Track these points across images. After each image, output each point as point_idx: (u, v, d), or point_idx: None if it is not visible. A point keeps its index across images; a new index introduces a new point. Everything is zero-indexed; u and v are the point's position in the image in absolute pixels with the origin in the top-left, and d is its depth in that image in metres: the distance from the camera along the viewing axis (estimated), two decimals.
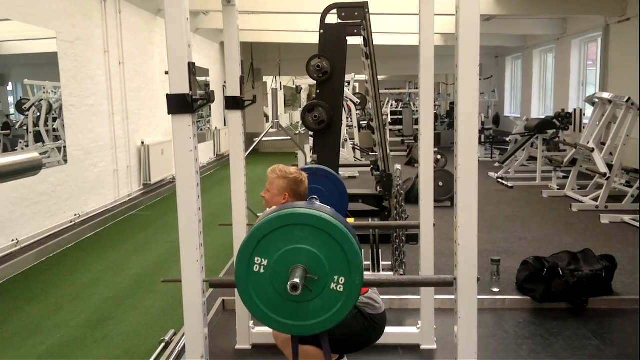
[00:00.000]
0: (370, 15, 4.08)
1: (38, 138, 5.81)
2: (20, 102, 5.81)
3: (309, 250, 1.66)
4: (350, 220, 2.92)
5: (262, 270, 1.67)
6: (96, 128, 6.85)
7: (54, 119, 6.01)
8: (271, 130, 6.54)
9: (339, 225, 1.66)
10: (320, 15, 4.06)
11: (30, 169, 1.36)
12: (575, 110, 9.44)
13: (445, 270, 4.15)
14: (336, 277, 1.65)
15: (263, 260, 1.67)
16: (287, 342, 2.30)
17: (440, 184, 6.69)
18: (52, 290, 4.32)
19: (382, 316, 2.47)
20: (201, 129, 11.81)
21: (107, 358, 3.19)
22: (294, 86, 15.14)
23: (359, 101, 11.04)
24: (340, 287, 1.66)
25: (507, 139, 11.73)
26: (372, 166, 5.17)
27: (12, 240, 5.06)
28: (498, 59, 16.99)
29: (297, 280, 1.57)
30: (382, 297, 3.67)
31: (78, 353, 3.26)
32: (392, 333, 3.28)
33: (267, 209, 2.54)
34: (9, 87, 5.88)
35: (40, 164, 1.38)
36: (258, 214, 5.92)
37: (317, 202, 1.88)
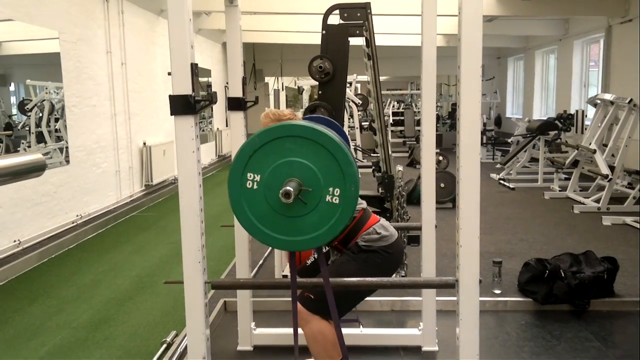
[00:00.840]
0: (373, 16, 4.07)
1: (40, 139, 5.82)
2: (22, 103, 5.82)
3: (301, 162, 1.61)
4: None
5: (255, 187, 1.63)
6: (98, 129, 6.86)
7: (56, 120, 6.01)
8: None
9: (331, 135, 1.62)
10: (322, 16, 4.06)
11: (33, 171, 1.35)
12: (577, 111, 9.44)
13: (447, 271, 4.14)
14: (331, 189, 1.61)
15: (255, 175, 1.63)
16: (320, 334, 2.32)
17: (442, 185, 6.69)
18: (54, 291, 4.32)
19: (396, 243, 2.47)
20: (203, 130, 11.81)
21: (109, 359, 3.19)
22: (296, 87, 15.14)
23: (360, 102, 11.04)
24: (335, 199, 1.61)
25: (509, 140, 11.73)
26: (373, 167, 5.15)
27: (14, 241, 5.06)
28: (500, 59, 16.98)
29: (289, 187, 1.54)
30: (383, 298, 3.70)
31: (80, 354, 3.26)
32: (394, 335, 3.29)
33: None
34: (12, 88, 5.89)
35: (44, 166, 1.38)
36: None
37: None
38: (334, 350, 2.33)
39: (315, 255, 2.67)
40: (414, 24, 9.68)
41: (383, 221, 2.49)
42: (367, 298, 3.64)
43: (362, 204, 2.51)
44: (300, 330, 2.27)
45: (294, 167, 1.61)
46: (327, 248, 2.69)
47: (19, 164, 1.31)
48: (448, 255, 4.52)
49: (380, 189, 4.42)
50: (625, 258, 4.49)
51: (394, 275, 4.07)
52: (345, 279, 2.18)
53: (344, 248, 2.44)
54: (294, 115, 2.62)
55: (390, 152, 4.61)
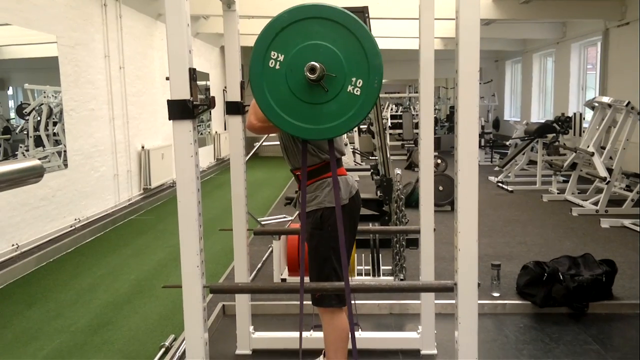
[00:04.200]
0: (371, 20, 4.08)
1: (38, 142, 5.81)
2: (20, 107, 5.82)
3: (328, 47, 1.55)
4: None
5: (277, 66, 1.58)
6: (96, 132, 6.85)
7: (55, 124, 6.01)
8: (271, 134, 6.54)
9: (361, 23, 1.56)
10: None
11: (31, 177, 1.35)
12: (575, 114, 9.46)
13: (446, 274, 4.14)
14: (354, 80, 1.56)
15: (279, 55, 1.57)
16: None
17: (440, 188, 6.70)
18: (52, 295, 4.32)
19: (353, 198, 2.48)
20: (201, 133, 11.81)
21: None
22: None
23: None
24: (357, 90, 1.57)
25: (507, 143, 11.75)
26: (372, 170, 5.16)
27: (13, 245, 5.06)
28: (498, 63, 17.02)
29: (315, 62, 1.50)
30: (382, 301, 3.70)
31: (78, 358, 3.25)
32: (393, 338, 3.29)
33: None
34: (10, 92, 5.88)
35: (42, 172, 1.37)
36: (259, 219, 5.93)
37: None
38: (347, 338, 2.44)
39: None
40: (412, 27, 9.69)
41: (348, 177, 2.51)
42: (366, 301, 3.66)
43: (343, 152, 2.57)
44: (304, 333, 2.28)
45: (320, 50, 1.56)
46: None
47: (17, 171, 1.31)
48: (447, 259, 4.52)
49: (378, 192, 4.43)
50: (623, 261, 4.50)
51: (393, 277, 4.08)
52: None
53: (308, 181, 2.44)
54: None
55: (388, 155, 4.62)
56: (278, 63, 1.58)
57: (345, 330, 2.43)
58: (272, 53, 1.57)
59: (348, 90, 1.57)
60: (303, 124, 1.61)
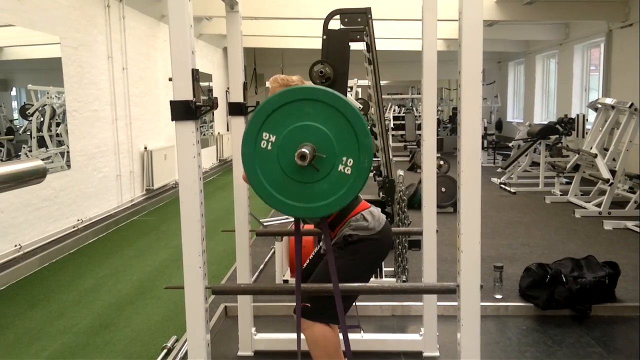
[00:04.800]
0: (373, 21, 4.08)
1: (41, 143, 5.83)
2: (24, 108, 5.83)
3: (318, 128, 1.59)
4: None
5: (269, 147, 1.61)
6: (99, 133, 6.87)
7: (58, 124, 6.02)
8: None
9: (350, 103, 1.60)
10: (323, 21, 4.07)
11: (34, 177, 1.35)
12: (578, 115, 9.45)
13: (448, 276, 4.14)
14: (344, 159, 1.60)
15: (271, 136, 1.61)
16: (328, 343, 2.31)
17: (443, 189, 6.69)
18: (55, 296, 4.32)
19: (384, 228, 2.42)
20: (204, 134, 11.83)
21: None
22: None
23: (361, 106, 11.03)
24: (348, 170, 1.60)
25: (510, 145, 11.72)
26: (374, 172, 5.16)
27: (15, 246, 5.07)
28: (501, 64, 17.00)
29: (305, 150, 1.53)
30: (384, 303, 3.70)
31: (80, 359, 3.25)
32: (395, 340, 3.28)
33: None
34: (13, 92, 5.90)
35: (45, 172, 1.37)
36: (261, 220, 5.93)
37: None
38: (335, 354, 2.32)
39: (311, 257, 2.66)
40: (415, 28, 9.69)
41: (372, 208, 2.47)
42: (368, 303, 3.66)
43: None
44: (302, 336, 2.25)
45: (311, 131, 1.60)
46: (321, 247, 2.66)
47: (19, 171, 1.31)
48: (449, 260, 4.51)
49: (381, 193, 4.42)
50: (626, 263, 4.48)
51: (395, 279, 4.08)
52: (351, 284, 2.18)
53: (332, 231, 2.40)
54: (302, 81, 2.59)
55: (391, 156, 4.61)
56: (270, 144, 1.62)
57: (328, 340, 2.31)
58: (264, 134, 1.62)
59: (339, 169, 1.61)
60: (295, 202, 1.64)
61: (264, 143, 1.62)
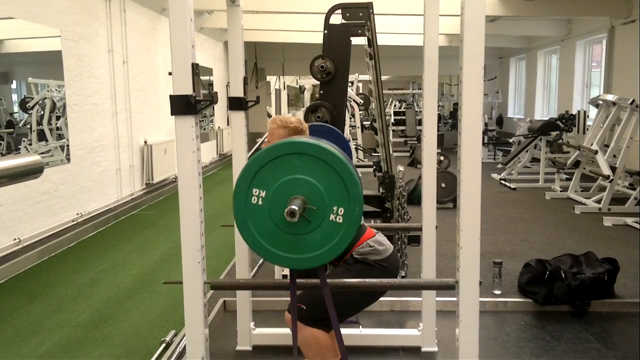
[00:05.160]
0: (375, 16, 4.07)
1: (41, 136, 5.82)
2: (24, 101, 5.82)
3: (307, 180, 1.62)
4: None
5: (260, 202, 1.64)
6: (99, 127, 6.86)
7: (58, 118, 6.01)
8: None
9: (337, 154, 1.62)
10: (324, 16, 4.05)
11: (31, 173, 1.34)
12: (579, 112, 9.44)
13: (447, 272, 4.14)
14: (335, 208, 1.62)
15: (261, 191, 1.63)
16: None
17: (443, 185, 6.68)
18: (54, 290, 4.32)
19: (391, 257, 2.43)
20: (204, 129, 11.82)
21: (108, 358, 3.19)
22: (298, 86, 15.15)
23: (362, 101, 11.04)
24: (339, 219, 1.62)
25: (510, 141, 11.71)
26: (374, 167, 5.15)
27: (14, 239, 5.06)
28: (502, 59, 16.97)
29: (294, 206, 1.55)
30: (383, 298, 3.69)
31: (79, 353, 3.26)
32: (393, 335, 3.29)
33: None
34: (13, 85, 5.89)
35: (42, 167, 1.37)
36: None
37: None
38: (328, 354, 2.32)
39: None
40: (416, 23, 9.67)
41: (378, 235, 2.48)
42: None
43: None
44: None
45: (300, 184, 1.62)
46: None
47: (16, 166, 1.31)
48: (448, 255, 4.51)
49: (381, 188, 4.41)
50: (626, 259, 4.48)
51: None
52: (345, 280, 2.17)
53: (338, 263, 2.42)
54: (301, 122, 2.60)
55: (391, 152, 4.60)
56: (260, 199, 1.64)
57: (320, 340, 2.30)
58: (254, 190, 1.64)
59: (330, 219, 1.63)
60: (288, 254, 1.66)
61: (254, 199, 1.64)
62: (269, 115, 16.56)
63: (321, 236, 1.63)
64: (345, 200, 1.61)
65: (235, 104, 2.88)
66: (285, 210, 1.56)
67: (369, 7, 4.05)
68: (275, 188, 1.62)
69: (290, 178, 1.62)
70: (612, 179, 6.54)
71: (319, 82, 4.20)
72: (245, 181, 1.64)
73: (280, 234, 1.64)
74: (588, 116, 9.49)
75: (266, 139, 2.60)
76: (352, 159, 3.41)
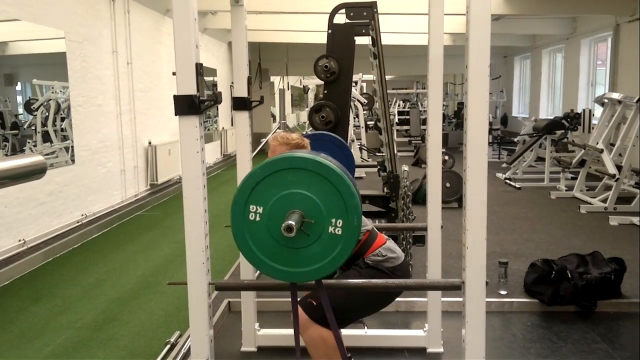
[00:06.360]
0: (379, 15, 4.06)
1: (46, 138, 5.83)
2: (28, 102, 5.83)
3: (304, 194, 1.62)
4: None
5: (257, 218, 1.64)
6: (104, 128, 6.86)
7: (62, 119, 6.02)
8: (278, 130, 6.53)
9: (333, 167, 1.62)
10: (328, 15, 4.04)
11: (34, 173, 1.34)
12: (584, 110, 9.38)
13: (452, 272, 4.12)
14: (333, 220, 1.62)
15: (258, 207, 1.64)
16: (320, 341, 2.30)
17: (448, 184, 6.66)
18: (58, 291, 4.33)
19: (403, 265, 2.43)
20: (208, 129, 11.82)
21: (113, 359, 3.19)
22: (301, 86, 15.15)
23: (366, 101, 11.02)
24: (338, 230, 1.62)
25: (515, 140, 11.68)
26: (379, 167, 5.14)
27: (19, 241, 5.07)
28: (507, 58, 16.92)
29: (291, 222, 1.55)
30: None
31: (84, 354, 3.25)
32: (398, 336, 3.27)
33: None
34: (18, 87, 5.90)
35: (45, 168, 1.36)
36: None
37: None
38: (335, 354, 2.31)
39: None
40: (421, 22, 9.64)
41: (390, 242, 2.47)
42: None
43: (367, 225, 2.46)
44: None
45: (296, 199, 1.62)
46: None
47: (19, 167, 1.30)
48: (454, 255, 4.49)
49: (385, 188, 4.40)
50: (632, 259, 4.45)
51: None
52: (350, 280, 2.16)
53: (347, 268, 2.42)
54: (302, 139, 2.61)
55: (395, 152, 4.59)
56: (258, 215, 1.64)
57: (326, 341, 2.30)
58: (251, 207, 1.64)
59: (329, 231, 1.63)
60: (290, 268, 1.66)
61: (252, 215, 1.64)
62: (273, 116, 16.57)
63: (321, 249, 1.63)
64: (343, 212, 1.61)
65: (239, 104, 2.87)
66: (282, 225, 1.56)
67: (373, 6, 4.04)
68: (272, 203, 1.63)
69: (286, 193, 1.62)
70: (618, 178, 6.50)
71: (323, 82, 4.19)
72: (242, 198, 1.64)
73: (279, 248, 1.64)
74: (593, 115, 9.44)
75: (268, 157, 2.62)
76: (354, 165, 3.40)
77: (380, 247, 2.40)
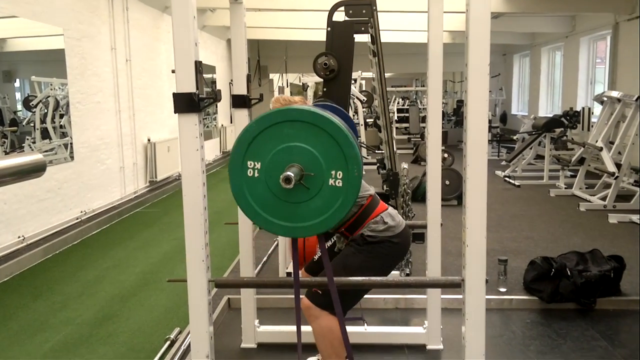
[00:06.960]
0: (378, 13, 4.05)
1: (45, 135, 5.83)
2: (27, 99, 5.83)
3: (301, 147, 1.58)
4: None
5: (256, 174, 1.60)
6: (103, 125, 6.86)
7: (61, 116, 6.02)
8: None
9: (330, 118, 1.59)
10: (327, 13, 4.04)
11: (33, 171, 1.34)
12: (583, 108, 9.39)
13: (452, 269, 4.13)
14: (333, 172, 1.58)
15: (256, 163, 1.60)
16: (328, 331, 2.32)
17: (447, 182, 6.67)
18: (58, 288, 4.33)
19: (403, 232, 2.44)
20: (207, 126, 11.81)
21: (112, 356, 3.19)
22: (301, 83, 15.14)
23: (365, 99, 11.01)
24: (338, 182, 1.58)
25: (515, 138, 11.66)
26: (378, 164, 5.14)
27: (19, 237, 5.07)
28: (506, 56, 16.92)
29: (289, 173, 1.52)
30: (388, 296, 3.69)
31: (83, 351, 3.26)
32: (398, 333, 3.28)
33: None
34: (17, 84, 5.89)
35: (44, 166, 1.36)
36: None
37: None
38: (340, 347, 2.32)
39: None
40: (420, 20, 9.64)
41: (390, 209, 2.48)
42: (372, 296, 3.64)
43: (370, 190, 2.48)
44: (305, 327, 2.25)
45: (295, 152, 1.58)
46: (333, 239, 2.67)
47: (19, 165, 1.30)
48: (453, 253, 4.50)
49: (385, 186, 4.40)
50: (631, 256, 4.46)
51: (399, 272, 4.07)
52: (351, 277, 2.17)
53: (351, 235, 2.42)
54: (305, 101, 2.60)
55: (395, 149, 4.58)
56: (256, 171, 1.60)
57: (334, 332, 2.31)
58: (249, 162, 1.60)
59: (330, 183, 1.59)
60: (291, 223, 1.63)
61: (250, 171, 1.60)
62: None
63: (322, 202, 1.60)
64: (343, 163, 1.58)
65: (239, 101, 2.87)
66: (280, 176, 1.53)
67: (372, 4, 4.03)
68: (270, 158, 1.59)
69: (284, 146, 1.58)
70: (617, 176, 6.50)
71: (322, 80, 4.19)
72: (238, 155, 1.60)
73: (280, 204, 1.61)
74: (592, 113, 9.44)
75: None
76: (357, 135, 3.38)
77: (382, 213, 2.41)
